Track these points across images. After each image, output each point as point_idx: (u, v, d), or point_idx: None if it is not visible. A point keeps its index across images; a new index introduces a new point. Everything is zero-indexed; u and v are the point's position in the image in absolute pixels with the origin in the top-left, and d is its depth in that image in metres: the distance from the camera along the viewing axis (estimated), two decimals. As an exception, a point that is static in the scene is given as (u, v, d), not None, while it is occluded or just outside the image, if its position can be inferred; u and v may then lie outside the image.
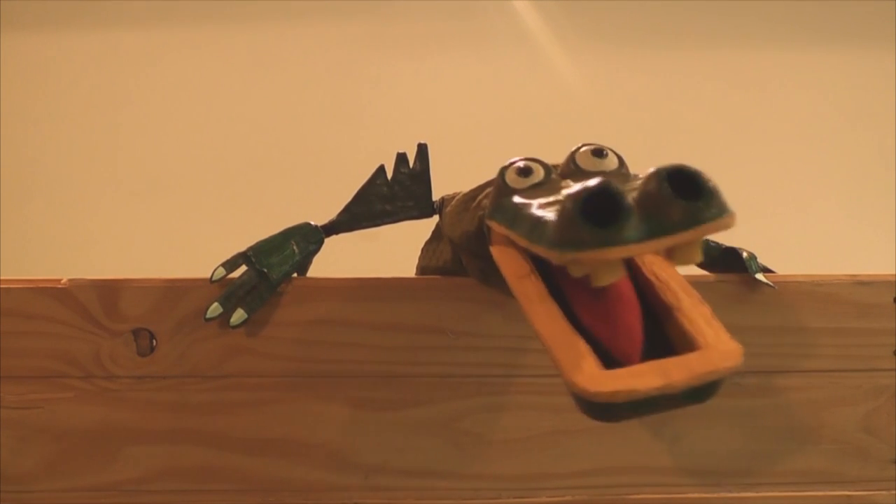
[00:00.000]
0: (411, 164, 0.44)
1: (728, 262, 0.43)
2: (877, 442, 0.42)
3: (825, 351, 0.42)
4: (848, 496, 0.42)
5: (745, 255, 0.42)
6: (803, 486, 0.42)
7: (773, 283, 0.41)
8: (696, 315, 0.30)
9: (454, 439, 0.42)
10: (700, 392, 0.28)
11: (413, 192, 0.43)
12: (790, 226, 0.98)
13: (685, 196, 0.26)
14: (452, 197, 0.42)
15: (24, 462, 0.41)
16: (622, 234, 0.26)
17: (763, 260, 0.43)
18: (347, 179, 0.45)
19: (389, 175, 0.44)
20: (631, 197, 0.26)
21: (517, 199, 0.32)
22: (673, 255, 0.28)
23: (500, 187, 0.34)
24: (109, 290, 0.40)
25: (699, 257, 0.28)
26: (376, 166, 0.44)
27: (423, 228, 0.46)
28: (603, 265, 0.27)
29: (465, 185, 0.42)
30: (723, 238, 0.44)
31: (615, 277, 0.28)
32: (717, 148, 1.01)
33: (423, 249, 0.47)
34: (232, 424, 0.41)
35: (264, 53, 1.01)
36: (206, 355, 0.41)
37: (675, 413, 0.42)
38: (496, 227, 0.34)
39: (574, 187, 0.27)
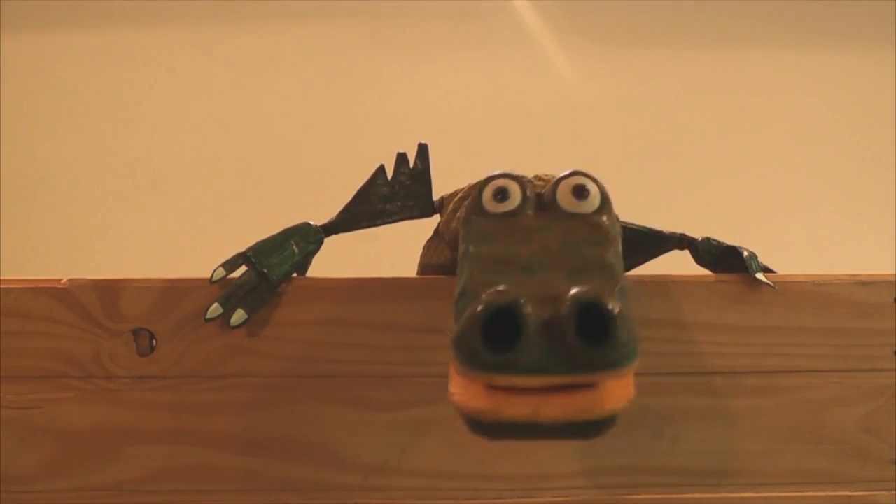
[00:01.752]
0: (412, 164, 0.44)
1: (728, 260, 0.43)
2: (877, 442, 0.42)
3: (825, 351, 0.42)
4: (848, 496, 0.42)
5: (745, 254, 0.42)
6: (803, 486, 0.42)
7: (773, 282, 0.41)
8: None
9: (454, 439, 0.42)
10: (573, 430, 0.28)
11: (413, 192, 0.43)
12: (790, 226, 0.98)
13: (599, 332, 0.26)
14: (452, 196, 0.42)
15: (24, 462, 0.41)
16: (517, 362, 0.26)
17: (763, 260, 0.43)
18: (347, 179, 0.45)
19: (390, 175, 0.44)
20: (537, 316, 0.26)
21: (482, 229, 0.33)
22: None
23: (475, 200, 0.34)
24: (109, 290, 0.40)
25: (596, 407, 0.27)
26: (376, 166, 0.44)
27: (422, 228, 0.46)
28: (506, 402, 0.27)
29: (465, 184, 0.42)
30: (723, 238, 0.44)
31: (519, 414, 0.27)
32: (717, 148, 1.01)
33: (424, 248, 0.47)
34: (232, 424, 0.41)
35: (264, 54, 1.01)
36: (206, 355, 0.41)
37: (675, 413, 0.42)
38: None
39: (483, 295, 0.27)
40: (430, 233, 0.46)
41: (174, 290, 0.41)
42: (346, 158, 0.91)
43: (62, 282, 0.41)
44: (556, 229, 0.33)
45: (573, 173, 0.35)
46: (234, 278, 0.41)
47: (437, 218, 0.44)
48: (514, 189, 0.34)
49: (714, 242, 0.43)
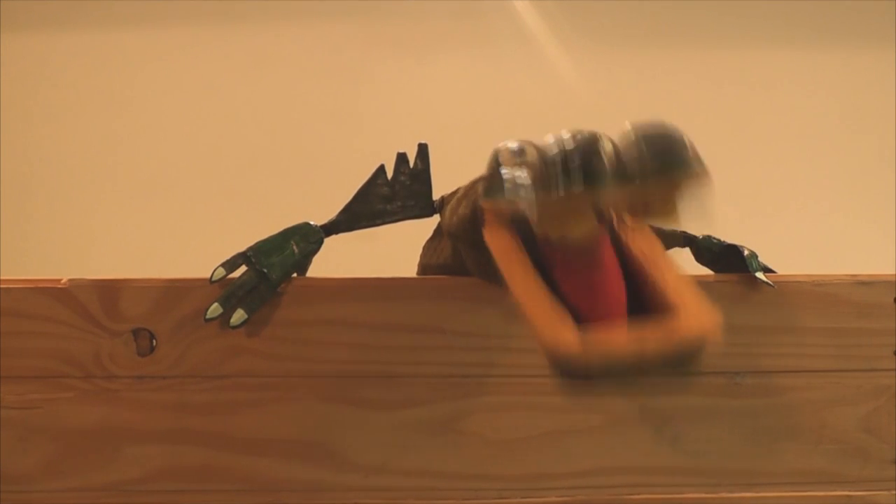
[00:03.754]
0: (412, 164, 0.44)
1: (728, 259, 0.43)
2: (877, 442, 0.42)
3: (825, 351, 0.42)
4: (848, 496, 0.42)
5: (745, 252, 0.42)
6: (803, 486, 0.42)
7: (773, 282, 0.41)
8: (678, 286, 0.30)
9: (454, 439, 0.41)
10: (676, 360, 0.28)
11: (413, 192, 0.43)
12: (790, 225, 0.98)
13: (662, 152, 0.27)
14: (452, 195, 0.42)
15: (24, 462, 0.41)
16: (594, 178, 0.26)
17: (763, 259, 0.43)
18: (347, 179, 0.45)
19: (390, 175, 0.44)
20: (607, 151, 0.27)
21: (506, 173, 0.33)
22: (649, 212, 0.28)
23: (492, 168, 0.34)
24: (109, 290, 0.40)
25: (676, 217, 0.28)
26: (376, 166, 0.44)
27: (423, 228, 0.46)
28: (573, 216, 0.27)
29: (466, 184, 0.42)
30: (723, 237, 0.44)
31: (587, 229, 0.28)
32: (717, 148, 1.01)
33: (424, 247, 0.47)
34: (232, 424, 0.41)
35: (264, 53, 1.01)
36: (205, 355, 0.41)
37: (675, 413, 0.42)
38: (488, 206, 0.34)
39: (560, 136, 0.28)
40: (430, 233, 0.46)
41: (174, 290, 0.41)
42: (345, 158, 0.91)
43: (62, 282, 0.41)
44: None
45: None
46: (234, 278, 0.41)
47: (436, 218, 0.44)
48: (529, 148, 0.34)
49: (714, 241, 0.43)
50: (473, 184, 0.39)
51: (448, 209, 0.41)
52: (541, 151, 0.34)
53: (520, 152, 0.34)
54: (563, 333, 0.27)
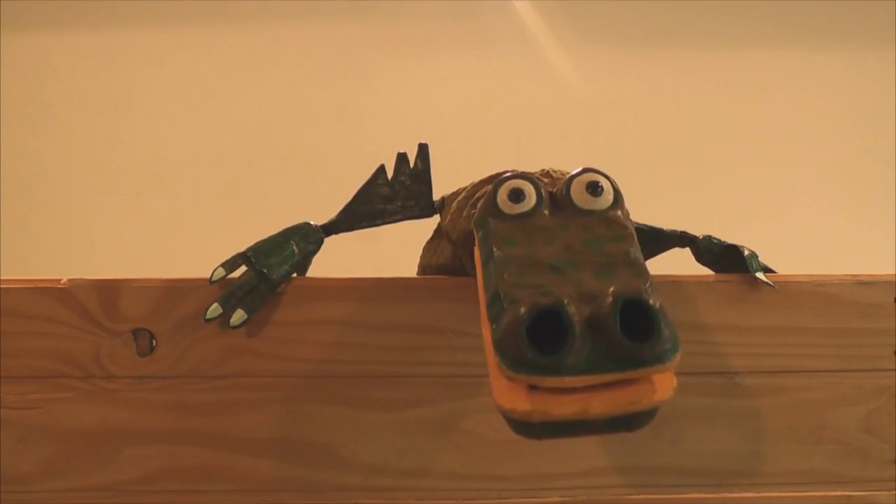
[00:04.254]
0: (412, 164, 0.43)
1: (729, 259, 0.43)
2: (877, 442, 0.42)
3: (826, 351, 0.42)
4: (848, 496, 0.42)
5: (746, 252, 0.42)
6: (804, 486, 0.42)
7: (773, 282, 0.41)
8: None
9: (455, 440, 0.41)
10: (623, 423, 0.28)
11: (414, 192, 0.43)
12: (791, 226, 0.98)
13: (635, 327, 0.26)
14: (453, 195, 0.42)
15: (24, 462, 0.41)
16: (565, 363, 0.26)
17: (763, 259, 0.43)
18: (347, 179, 0.45)
19: (390, 175, 0.43)
20: (580, 315, 0.27)
21: (502, 231, 0.33)
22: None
23: (490, 201, 0.35)
24: (109, 290, 0.40)
25: (644, 399, 0.28)
26: (376, 166, 0.44)
27: (423, 228, 0.46)
28: (554, 402, 0.27)
29: (466, 183, 0.42)
30: (723, 238, 0.44)
31: (568, 412, 0.27)
32: (718, 148, 1.01)
33: (424, 248, 0.47)
34: (232, 425, 0.41)
35: (264, 53, 1.01)
36: (205, 355, 0.41)
37: (676, 413, 0.42)
38: (477, 241, 0.34)
39: (524, 297, 0.27)
40: (430, 233, 0.46)
41: (174, 291, 0.40)
42: (345, 158, 0.91)
43: (62, 282, 0.41)
44: (575, 228, 0.33)
45: (585, 170, 0.35)
46: (233, 278, 0.41)
47: (437, 218, 0.44)
48: (529, 189, 0.34)
49: (715, 240, 0.43)
50: (475, 191, 0.39)
51: (450, 215, 0.41)
52: (540, 198, 0.34)
53: (518, 195, 0.34)
54: (513, 394, 0.27)
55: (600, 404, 0.27)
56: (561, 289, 0.29)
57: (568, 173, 0.36)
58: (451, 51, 1.02)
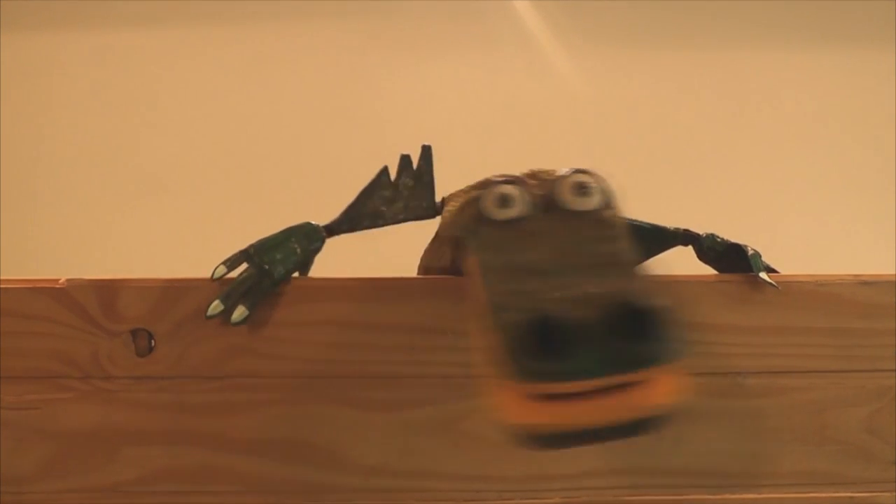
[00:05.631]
0: (415, 166, 0.43)
1: (732, 258, 0.43)
2: (880, 443, 0.42)
3: (828, 351, 0.42)
4: (850, 497, 0.42)
5: (749, 252, 0.42)
6: (806, 487, 0.42)
7: (775, 282, 0.41)
8: None
9: (455, 440, 0.41)
10: (630, 429, 0.28)
11: (416, 194, 0.43)
12: (793, 226, 0.98)
13: (637, 327, 0.26)
14: (450, 198, 0.42)
15: (23, 463, 0.41)
16: (571, 367, 0.26)
17: (766, 259, 0.43)
18: (348, 180, 0.45)
19: (393, 176, 0.43)
20: (579, 320, 0.27)
21: (491, 238, 0.33)
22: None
23: (477, 210, 0.34)
24: (108, 291, 0.40)
25: (650, 402, 0.28)
26: (377, 167, 0.44)
27: (423, 229, 0.46)
28: (562, 412, 0.27)
29: (466, 183, 0.42)
30: (727, 236, 0.44)
31: (576, 421, 0.27)
32: (719, 148, 1.01)
33: (426, 250, 0.47)
34: (231, 425, 0.41)
35: (264, 53, 1.01)
36: (205, 356, 0.41)
37: (677, 414, 0.41)
38: (468, 251, 0.34)
39: (520, 305, 0.27)
40: (432, 234, 0.46)
41: (173, 291, 0.40)
42: (346, 159, 0.91)
43: (60, 282, 0.40)
44: (564, 230, 0.33)
45: (573, 172, 0.35)
46: (234, 277, 0.40)
47: (439, 220, 0.44)
48: (515, 193, 0.34)
49: (718, 239, 0.43)
50: (467, 197, 0.38)
51: (449, 215, 0.40)
52: (528, 203, 0.34)
53: (505, 201, 0.34)
54: (520, 407, 0.27)
55: (608, 412, 0.27)
56: (555, 294, 0.29)
57: (555, 173, 0.36)
58: (452, 51, 1.02)
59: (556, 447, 0.28)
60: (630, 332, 0.26)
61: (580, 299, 0.28)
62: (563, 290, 0.29)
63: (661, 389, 0.27)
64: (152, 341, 0.40)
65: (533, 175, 0.37)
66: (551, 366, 0.26)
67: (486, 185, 0.35)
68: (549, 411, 0.27)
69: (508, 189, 0.34)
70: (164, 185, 0.98)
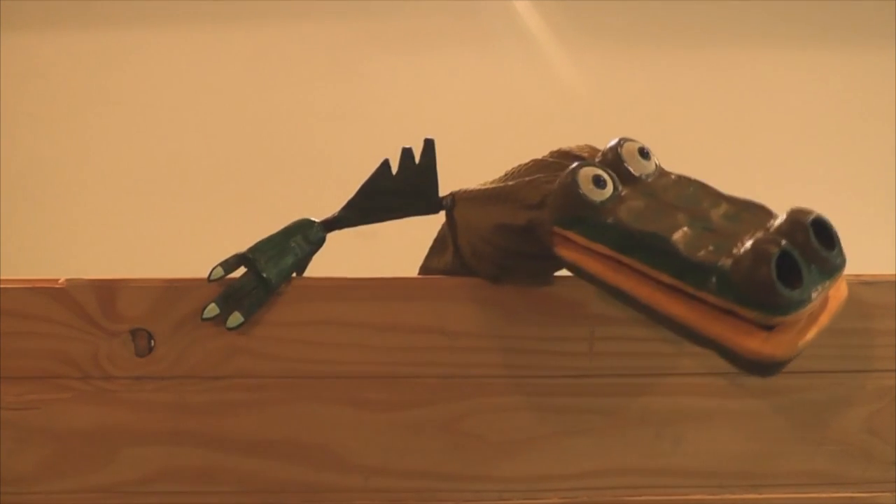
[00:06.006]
0: (417, 160, 0.43)
1: None
2: (880, 443, 0.42)
3: (828, 351, 0.42)
4: (851, 497, 0.42)
5: None
6: (806, 487, 0.42)
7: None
8: None
9: (455, 441, 0.41)
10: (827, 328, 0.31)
11: (419, 188, 0.42)
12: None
13: (825, 240, 0.30)
14: (465, 192, 0.41)
15: (22, 463, 0.41)
16: (808, 295, 0.29)
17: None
18: (347, 179, 0.45)
19: (394, 170, 0.43)
20: (799, 254, 0.29)
21: (610, 218, 0.33)
22: None
23: (574, 196, 0.34)
24: (107, 291, 0.40)
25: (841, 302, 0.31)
26: (376, 166, 0.43)
27: (425, 227, 0.46)
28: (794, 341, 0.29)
29: (464, 182, 0.42)
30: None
31: (810, 337, 0.30)
32: (718, 148, 1.01)
33: (429, 250, 0.46)
34: (231, 425, 0.41)
35: (264, 53, 1.01)
36: (204, 356, 0.41)
37: (677, 414, 0.41)
38: (576, 238, 0.34)
39: (749, 241, 0.29)
40: (433, 231, 0.46)
41: (173, 291, 0.40)
42: (346, 157, 0.91)
43: (60, 282, 0.40)
44: (661, 193, 0.34)
45: (623, 140, 0.36)
46: (233, 278, 0.40)
47: (441, 216, 0.44)
48: (607, 176, 0.34)
49: None
50: (507, 187, 0.38)
51: (472, 209, 0.39)
52: (614, 181, 0.34)
53: (601, 182, 0.34)
54: (759, 337, 0.29)
55: (824, 317, 0.30)
56: (741, 237, 0.30)
57: (592, 147, 0.37)
58: (451, 50, 1.01)
59: (776, 373, 0.30)
60: (821, 247, 0.29)
61: (769, 234, 0.30)
62: (744, 233, 0.30)
63: (844, 288, 0.31)
64: (152, 341, 0.40)
65: (568, 154, 0.37)
66: (799, 294, 0.28)
67: (566, 172, 0.35)
68: (788, 341, 0.29)
69: (601, 171, 0.35)
70: (164, 185, 0.98)
